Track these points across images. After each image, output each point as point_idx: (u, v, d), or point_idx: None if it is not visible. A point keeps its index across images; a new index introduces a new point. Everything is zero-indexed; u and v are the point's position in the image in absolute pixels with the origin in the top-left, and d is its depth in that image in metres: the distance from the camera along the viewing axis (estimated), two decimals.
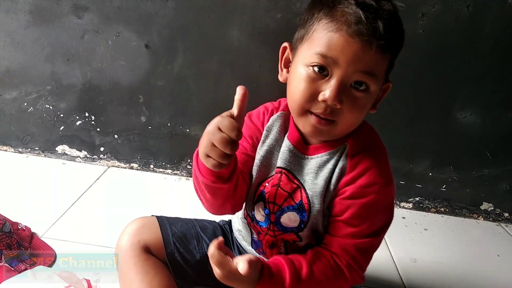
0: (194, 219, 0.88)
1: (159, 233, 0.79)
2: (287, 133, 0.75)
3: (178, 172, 1.47)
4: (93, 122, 1.43)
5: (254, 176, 0.75)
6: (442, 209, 1.44)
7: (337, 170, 0.70)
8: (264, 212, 0.74)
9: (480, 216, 1.44)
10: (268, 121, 0.77)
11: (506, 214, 1.44)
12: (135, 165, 1.48)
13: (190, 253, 0.80)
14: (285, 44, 0.72)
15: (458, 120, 1.33)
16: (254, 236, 0.80)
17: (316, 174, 0.71)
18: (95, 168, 1.45)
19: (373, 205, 0.68)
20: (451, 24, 1.22)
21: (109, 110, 1.41)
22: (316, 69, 0.63)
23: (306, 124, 0.68)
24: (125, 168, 1.48)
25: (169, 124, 1.41)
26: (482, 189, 1.41)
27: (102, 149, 1.46)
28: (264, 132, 0.76)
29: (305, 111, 0.67)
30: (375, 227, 0.70)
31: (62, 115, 1.43)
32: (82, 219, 1.16)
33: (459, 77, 1.28)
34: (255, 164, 0.75)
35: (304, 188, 0.72)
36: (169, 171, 1.47)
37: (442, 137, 1.36)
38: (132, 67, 1.35)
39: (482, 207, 1.43)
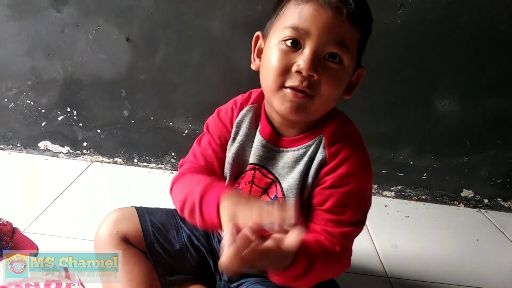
0: (174, 209, 0.88)
1: (138, 224, 0.79)
2: (259, 127, 0.73)
3: (162, 166, 1.47)
4: (75, 117, 1.42)
5: (228, 175, 0.75)
6: (423, 197, 1.47)
7: (315, 162, 0.69)
8: None
9: (461, 203, 1.47)
10: (237, 116, 0.75)
11: (486, 201, 1.47)
12: (118, 160, 1.47)
13: (169, 243, 0.80)
14: (258, 33, 0.72)
15: (437, 108, 1.35)
16: None
17: (292, 168, 0.70)
18: (79, 163, 1.45)
19: (354, 194, 0.68)
20: (429, 14, 1.24)
21: (91, 105, 1.40)
22: (288, 43, 0.62)
23: (283, 101, 0.64)
24: (109, 162, 1.47)
25: (152, 118, 1.41)
26: (462, 177, 1.44)
27: (85, 144, 1.45)
28: (234, 129, 0.74)
29: (280, 87, 0.64)
30: (358, 217, 0.69)
31: (43, 111, 1.42)
32: (64, 214, 1.15)
33: (438, 66, 1.30)
34: (227, 162, 0.75)
35: (279, 182, 0.71)
36: (153, 165, 1.47)
37: (422, 126, 1.38)
38: (114, 60, 1.34)
39: (463, 194, 1.46)
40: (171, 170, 1.47)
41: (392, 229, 1.26)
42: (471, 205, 1.47)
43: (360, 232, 0.71)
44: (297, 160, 0.70)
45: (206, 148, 0.77)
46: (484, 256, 1.20)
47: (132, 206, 0.83)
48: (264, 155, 0.72)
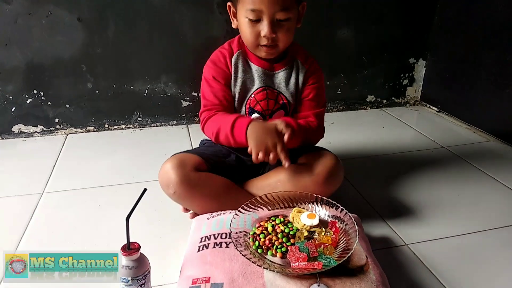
0: (203, 148, 1.15)
1: (197, 157, 1.02)
2: (251, 63, 1.07)
3: (131, 125, 1.70)
4: (43, 98, 1.58)
5: (236, 100, 1.07)
6: (340, 107, 1.91)
7: (301, 74, 1.07)
8: (262, 118, 1.08)
9: (367, 107, 1.94)
10: (229, 61, 1.06)
11: (384, 101, 1.96)
12: (91, 128, 1.67)
13: (223, 163, 1.06)
14: (229, 3, 1.03)
15: (340, 37, 1.76)
16: None
17: (286, 83, 1.08)
18: (55, 138, 1.62)
19: (322, 86, 1.10)
20: None
21: (56, 84, 1.57)
22: (252, 19, 0.96)
23: (260, 53, 1.02)
24: (82, 132, 1.67)
25: (114, 86, 1.62)
26: (365, 86, 1.90)
27: (57, 120, 1.63)
28: (233, 69, 1.06)
29: (256, 46, 1.00)
30: (324, 101, 1.11)
31: (11, 97, 1.55)
32: (64, 185, 1.30)
33: (334, 4, 1.69)
34: (236, 92, 1.07)
35: (281, 93, 1.08)
36: (123, 126, 1.70)
37: (331, 53, 1.79)
38: (70, 40, 1.52)
39: (368, 99, 1.93)
40: (140, 127, 1.71)
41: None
42: (375, 107, 1.95)
43: (325, 111, 1.13)
44: (287, 78, 1.08)
45: (215, 91, 1.05)
46: (389, 135, 1.68)
47: (180, 152, 1.05)
48: (265, 78, 1.07)
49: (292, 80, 1.08)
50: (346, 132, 1.71)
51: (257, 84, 1.07)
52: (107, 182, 1.30)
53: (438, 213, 1.14)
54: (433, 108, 1.94)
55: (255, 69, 1.07)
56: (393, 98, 1.97)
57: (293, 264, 0.75)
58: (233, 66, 1.07)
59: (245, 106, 1.09)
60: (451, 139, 1.63)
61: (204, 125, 1.04)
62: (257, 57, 1.07)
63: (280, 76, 1.08)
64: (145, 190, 0.78)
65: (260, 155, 0.90)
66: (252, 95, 1.08)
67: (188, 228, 1.01)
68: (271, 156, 0.90)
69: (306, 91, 1.09)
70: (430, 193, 1.24)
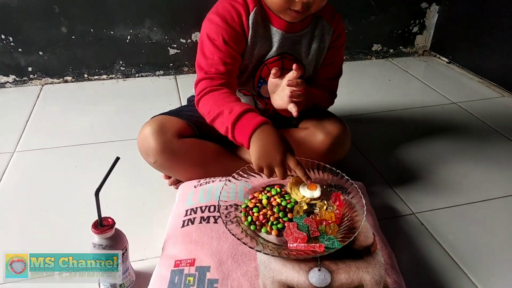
0: (190, 108, 0.95)
1: (182, 121, 0.87)
2: (271, 23, 0.85)
3: (113, 75, 1.55)
4: (12, 44, 1.41)
5: (249, 67, 0.88)
6: (344, 57, 1.74)
7: (326, 36, 0.88)
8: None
9: (373, 57, 1.78)
10: (246, 20, 0.83)
11: (391, 50, 1.79)
12: (69, 78, 1.52)
13: (213, 126, 0.83)
14: None
15: None
16: (260, 106, 0.96)
17: (308, 47, 0.88)
18: (29, 89, 1.47)
19: (343, 50, 0.96)
20: None
21: (26, 27, 1.39)
22: None
23: (287, 16, 0.81)
24: (60, 82, 1.51)
25: (92, 30, 1.45)
26: (371, 34, 1.73)
27: (30, 69, 1.47)
28: (251, 33, 0.83)
29: (285, 9, 0.78)
30: (341, 68, 0.98)
31: None
32: (39, 141, 1.20)
33: None
34: (249, 61, 0.86)
35: (299, 60, 0.89)
36: (104, 76, 1.54)
37: None
38: None
39: (373, 49, 1.77)
40: (123, 77, 1.55)
41: None
42: (380, 57, 1.79)
43: None
44: (310, 41, 0.88)
45: (224, 57, 0.82)
46: (394, 89, 1.54)
47: (160, 114, 0.91)
48: (285, 43, 0.86)
49: (315, 44, 0.88)
50: (349, 85, 1.55)
51: (273, 51, 0.86)
52: (86, 139, 1.17)
53: (448, 178, 1.04)
54: (443, 58, 1.79)
55: (274, 31, 0.86)
56: (400, 47, 1.80)
57: (291, 245, 0.65)
58: (250, 29, 0.83)
59: (254, 77, 0.90)
60: (462, 93, 1.50)
61: (201, 98, 0.82)
62: (278, 16, 0.85)
63: (301, 40, 0.88)
64: (117, 159, 0.66)
65: (264, 171, 0.72)
66: (266, 65, 0.88)
67: (175, 193, 0.91)
68: (277, 172, 0.72)
69: (329, 56, 0.92)
70: (439, 155, 1.14)
